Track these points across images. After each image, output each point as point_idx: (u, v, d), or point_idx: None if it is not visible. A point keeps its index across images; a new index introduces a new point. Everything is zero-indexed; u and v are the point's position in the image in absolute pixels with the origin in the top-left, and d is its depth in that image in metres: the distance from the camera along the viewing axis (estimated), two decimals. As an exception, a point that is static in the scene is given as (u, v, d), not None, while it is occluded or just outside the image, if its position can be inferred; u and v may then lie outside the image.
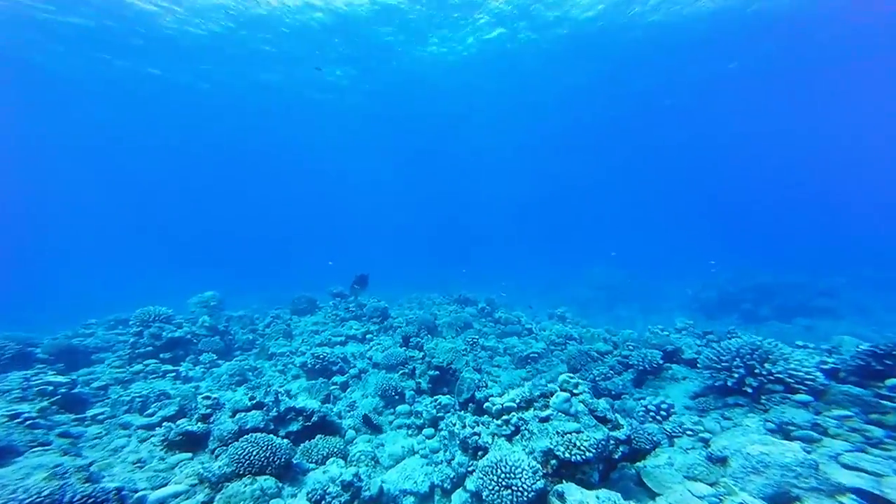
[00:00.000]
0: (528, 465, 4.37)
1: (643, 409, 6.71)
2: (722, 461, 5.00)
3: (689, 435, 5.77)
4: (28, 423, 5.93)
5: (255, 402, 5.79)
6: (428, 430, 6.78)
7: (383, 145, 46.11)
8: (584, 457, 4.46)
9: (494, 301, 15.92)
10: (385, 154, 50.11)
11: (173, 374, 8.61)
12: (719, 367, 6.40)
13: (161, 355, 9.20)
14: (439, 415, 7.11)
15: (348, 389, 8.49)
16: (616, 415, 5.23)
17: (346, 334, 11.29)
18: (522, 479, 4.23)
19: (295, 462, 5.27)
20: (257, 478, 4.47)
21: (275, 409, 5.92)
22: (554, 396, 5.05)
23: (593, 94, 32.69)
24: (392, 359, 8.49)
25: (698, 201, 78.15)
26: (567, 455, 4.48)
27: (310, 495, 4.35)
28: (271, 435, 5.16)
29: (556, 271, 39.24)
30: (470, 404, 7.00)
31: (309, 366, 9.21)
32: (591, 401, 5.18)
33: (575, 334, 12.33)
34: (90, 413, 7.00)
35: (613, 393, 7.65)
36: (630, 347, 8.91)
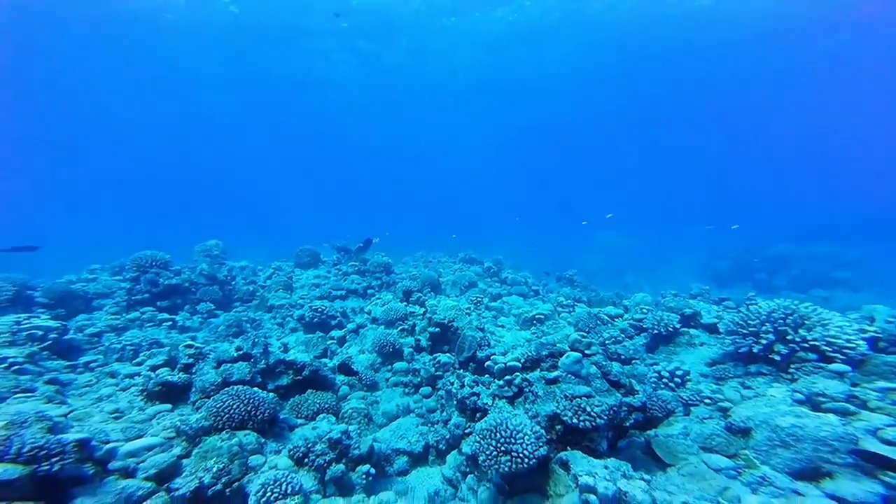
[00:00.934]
0: (531, 431, 3.89)
1: (655, 375, 6.18)
2: (744, 432, 4.48)
3: (706, 404, 5.25)
4: (14, 368, 5.65)
5: (241, 353, 5.38)
6: (425, 389, 6.40)
7: (392, 113, 44.58)
8: (593, 423, 3.96)
9: (501, 261, 15.30)
10: (393, 122, 48.52)
11: (169, 322, 8.31)
12: (745, 332, 5.75)
13: (158, 303, 8.90)
14: (438, 373, 6.70)
15: (345, 345, 8.13)
16: (630, 380, 4.69)
17: (347, 288, 10.87)
18: (523, 445, 3.76)
19: (282, 417, 4.92)
20: (237, 433, 4.10)
21: (263, 362, 5.52)
22: (564, 357, 4.49)
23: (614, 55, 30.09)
24: (392, 314, 8.04)
25: (715, 168, 74.34)
26: (575, 421, 3.98)
27: (292, 452, 3.97)
28: (256, 388, 4.76)
29: (562, 240, 38.29)
30: (471, 363, 6.56)
31: (307, 319, 8.84)
32: (604, 363, 4.63)
33: (584, 297, 11.76)
34: (83, 360, 6.75)
35: (623, 357, 7.13)
36: (643, 310, 8.29)
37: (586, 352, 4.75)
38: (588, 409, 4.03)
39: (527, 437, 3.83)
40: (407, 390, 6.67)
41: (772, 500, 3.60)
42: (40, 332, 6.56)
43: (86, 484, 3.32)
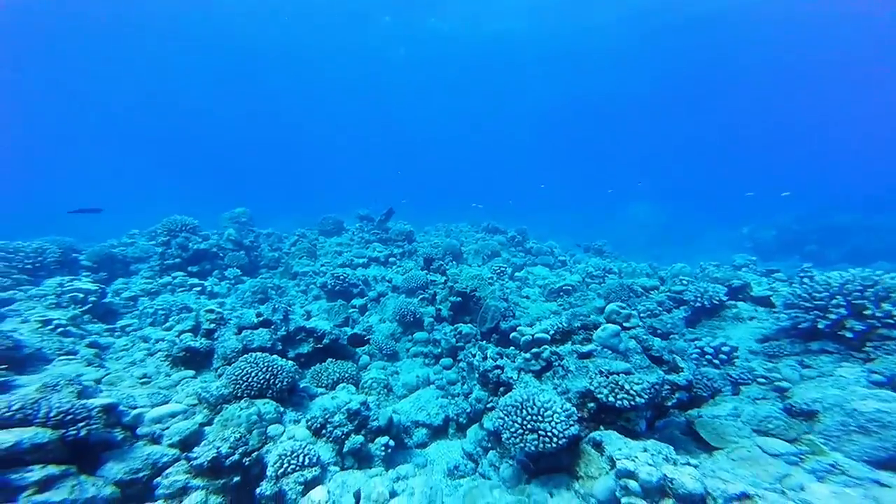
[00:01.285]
0: (561, 408, 3.51)
1: (697, 351, 5.62)
2: (807, 416, 3.93)
3: (760, 383, 4.68)
4: (59, 330, 5.82)
5: (261, 318, 5.26)
6: (446, 360, 6.15)
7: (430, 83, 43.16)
8: (632, 403, 3.54)
9: (526, 231, 14.64)
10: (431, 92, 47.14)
11: (199, 288, 8.43)
12: (810, 305, 5.03)
13: (189, 268, 9.03)
14: (459, 344, 6.43)
15: (367, 313, 7.98)
16: (674, 356, 4.18)
17: (369, 256, 10.68)
18: (552, 423, 3.40)
19: (302, 386, 4.80)
20: (256, 401, 3.98)
21: (283, 328, 5.39)
22: (599, 329, 4.02)
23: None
24: (412, 282, 7.76)
25: (763, 133, 67.78)
26: (611, 399, 3.56)
27: (310, 423, 3.82)
28: (275, 356, 4.62)
29: (591, 209, 36.56)
30: (493, 335, 6.22)
31: (329, 287, 8.73)
32: (644, 336, 4.13)
33: (614, 268, 11.04)
34: (120, 324, 6.93)
35: (660, 332, 6.56)
36: (683, 282, 7.58)
37: (625, 324, 4.26)
38: (627, 386, 3.60)
39: (556, 414, 3.46)
40: (427, 361, 6.46)
41: (845, 490, 3.11)
42: (81, 296, 6.74)
43: (114, 449, 3.28)
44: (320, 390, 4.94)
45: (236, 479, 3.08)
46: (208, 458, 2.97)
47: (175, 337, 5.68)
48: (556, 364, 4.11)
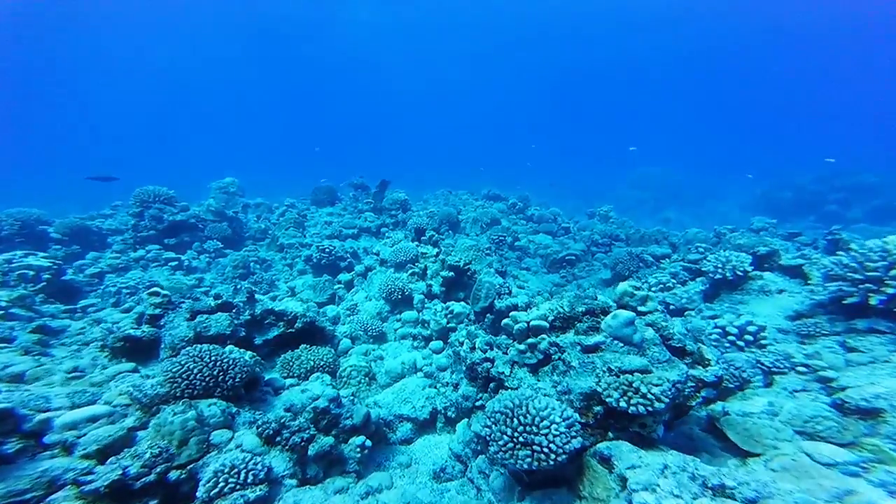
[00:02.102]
0: (561, 417, 2.77)
1: (719, 331, 4.81)
2: (867, 414, 3.17)
3: (799, 372, 3.90)
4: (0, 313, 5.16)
5: (220, 301, 4.52)
6: (435, 344, 5.45)
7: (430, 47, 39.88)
8: (650, 408, 2.78)
9: (528, 197, 13.56)
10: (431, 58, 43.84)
11: (175, 262, 7.72)
12: (860, 277, 4.14)
13: (165, 241, 8.28)
14: (450, 325, 5.70)
15: (353, 290, 7.25)
16: (699, 345, 3.38)
17: (360, 226, 9.83)
18: (550, 437, 2.68)
19: (268, 378, 4.12)
20: (199, 402, 3.30)
21: (248, 312, 4.66)
22: (609, 317, 3.20)
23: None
24: (401, 255, 6.94)
25: (776, 92, 62.89)
26: (623, 405, 2.81)
27: (261, 429, 3.15)
28: (230, 347, 3.92)
29: (598, 172, 34.76)
30: (488, 314, 5.45)
31: (315, 260, 7.97)
32: (664, 323, 3.31)
33: (621, 234, 10.10)
34: (83, 303, 6.28)
35: (674, 308, 5.75)
36: (699, 250, 6.66)
37: (640, 308, 3.42)
38: (643, 388, 2.82)
39: (555, 425, 2.73)
40: (416, 343, 5.77)
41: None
42: (32, 273, 6.05)
43: (5, 464, 2.62)
44: (290, 381, 4.28)
45: (155, 506, 2.44)
46: (107, 482, 2.31)
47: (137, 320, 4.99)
48: (556, 357, 3.34)
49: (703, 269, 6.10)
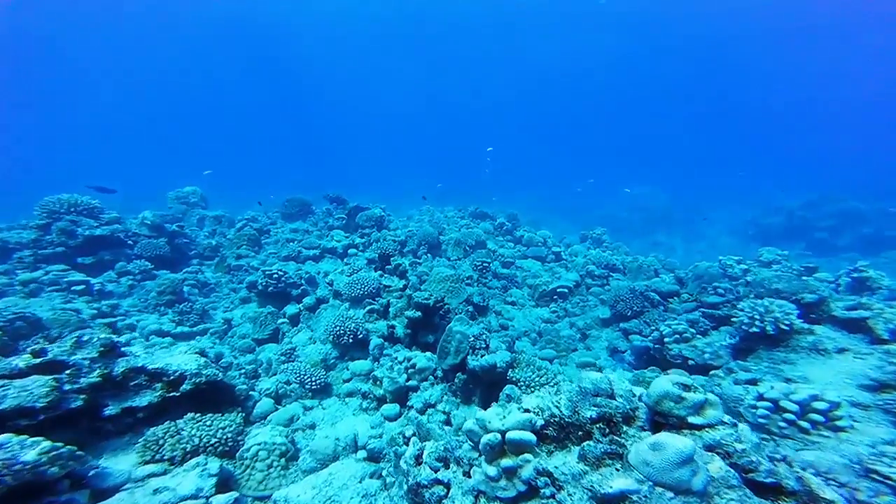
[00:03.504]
0: None
1: (767, 404, 3.51)
2: None
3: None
4: None
5: (44, 359, 3.05)
6: (389, 408, 4.04)
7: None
8: None
9: (517, 217, 12.37)
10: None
11: (82, 286, 6.17)
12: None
13: (79, 259, 6.74)
14: (411, 383, 4.30)
15: (298, 326, 5.81)
16: (805, 476, 2.04)
17: (324, 246, 8.41)
18: None
19: (94, 473, 2.65)
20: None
21: (97, 373, 3.19)
22: (647, 447, 1.85)
23: None
24: (358, 287, 5.56)
25: (766, 117, 63.64)
26: None
27: None
28: (6, 436, 2.45)
29: (587, 192, 34.06)
30: (459, 373, 4.09)
31: (260, 287, 6.51)
32: (738, 445, 1.98)
33: (617, 262, 8.89)
34: (-63, 340, 4.69)
35: (693, 363, 4.47)
36: (718, 291, 5.43)
37: (693, 419, 2.08)
38: None
39: None
40: (367, 403, 4.35)
41: None
42: None
43: None
44: (149, 470, 2.82)
45: None
46: None
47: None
48: (549, 496, 1.97)
49: (725, 314, 4.85)
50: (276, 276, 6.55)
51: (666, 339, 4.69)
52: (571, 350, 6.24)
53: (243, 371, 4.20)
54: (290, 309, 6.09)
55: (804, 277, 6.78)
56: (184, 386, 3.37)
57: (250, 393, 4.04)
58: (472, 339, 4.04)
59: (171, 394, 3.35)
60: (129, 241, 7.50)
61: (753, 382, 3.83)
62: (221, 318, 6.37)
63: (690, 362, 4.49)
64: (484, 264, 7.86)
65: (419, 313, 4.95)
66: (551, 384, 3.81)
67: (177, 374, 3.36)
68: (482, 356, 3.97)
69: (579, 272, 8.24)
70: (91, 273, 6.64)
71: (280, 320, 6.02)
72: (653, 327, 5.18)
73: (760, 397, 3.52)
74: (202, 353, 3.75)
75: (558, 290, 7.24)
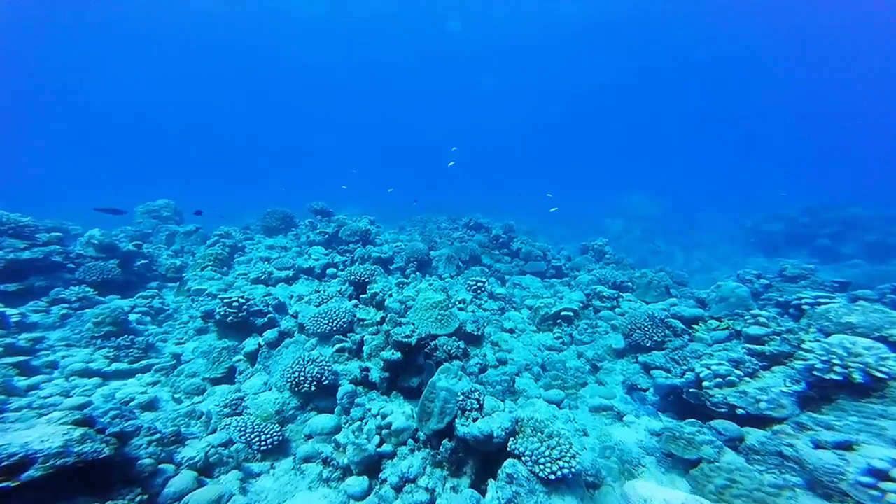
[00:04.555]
0: None
1: (870, 478, 2.52)
2: None
3: None
4: None
5: None
6: (356, 483, 3.01)
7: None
8: None
9: (514, 228, 11.43)
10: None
11: None
12: None
13: (3, 287, 5.66)
14: (386, 448, 3.27)
15: (255, 367, 4.76)
16: None
17: (299, 266, 7.39)
18: None
19: None
20: None
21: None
22: None
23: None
24: (326, 321, 4.54)
25: (765, 122, 62.76)
26: None
27: None
28: None
29: (584, 200, 33.32)
30: (445, 440, 3.07)
31: (218, 317, 5.46)
32: None
33: (626, 280, 7.94)
34: None
35: (742, 412, 3.48)
36: (759, 320, 4.48)
37: None
38: None
39: None
40: (329, 472, 3.30)
41: None
42: None
43: None
44: None
45: None
46: None
47: None
48: None
49: (776, 351, 3.88)
50: (237, 303, 5.52)
51: (705, 383, 3.71)
52: (581, 385, 5.25)
53: (156, 436, 3.15)
54: (250, 344, 5.04)
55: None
56: (29, 472, 2.32)
57: (161, 467, 2.98)
58: (462, 397, 3.04)
59: (4, 484, 2.28)
60: (70, 265, 6.44)
61: (848, 447, 2.85)
62: (171, 352, 5.31)
63: (740, 412, 3.51)
64: (478, 284, 6.87)
65: (399, 354, 3.94)
66: (567, 457, 2.81)
67: (17, 457, 2.31)
68: (474, 420, 2.96)
69: (584, 291, 7.28)
70: (15, 302, 5.57)
71: (236, 357, 4.97)
72: (684, 366, 4.19)
73: (873, 471, 2.54)
74: (86, 421, 2.70)
75: (562, 313, 6.26)
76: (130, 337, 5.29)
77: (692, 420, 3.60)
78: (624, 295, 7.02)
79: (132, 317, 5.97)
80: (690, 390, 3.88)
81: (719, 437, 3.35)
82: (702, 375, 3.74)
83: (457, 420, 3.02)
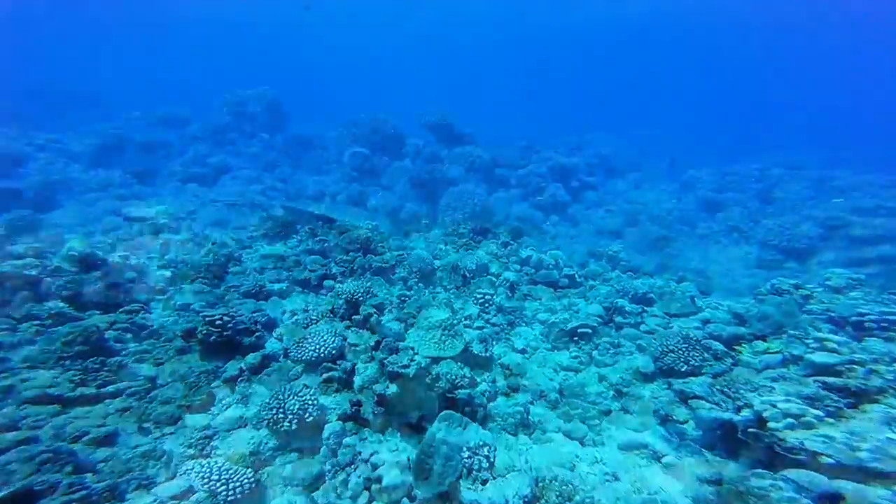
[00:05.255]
0: None
1: None
2: None
3: None
4: None
5: None
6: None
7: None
8: None
9: (520, 230, 10.64)
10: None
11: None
12: None
13: (-22, 309, 5.18)
14: (373, 513, 2.61)
15: (232, 398, 4.14)
16: None
17: (294, 278, 6.81)
18: None
19: None
20: None
21: None
22: None
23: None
24: (312, 347, 3.92)
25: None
26: None
27: None
28: None
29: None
30: (446, 513, 2.39)
31: (199, 336, 4.89)
32: None
33: (653, 294, 7.15)
34: None
35: (832, 462, 2.74)
36: (830, 347, 3.73)
37: None
38: None
39: None
40: (308, 540, 2.64)
41: None
42: None
43: None
44: None
45: None
46: None
47: None
48: None
49: (863, 386, 3.14)
50: (220, 322, 4.94)
51: (771, 423, 2.98)
52: (604, 413, 4.53)
53: (77, 495, 2.53)
54: (232, 368, 4.45)
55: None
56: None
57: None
58: (468, 454, 2.37)
59: None
60: (46, 279, 5.95)
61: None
62: (146, 374, 4.74)
63: (828, 460, 2.77)
64: (487, 298, 6.21)
65: (395, 387, 3.29)
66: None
67: None
68: (484, 483, 2.29)
69: (602, 304, 6.55)
70: (-18, 320, 5.07)
71: (215, 383, 4.38)
72: (736, 398, 3.45)
73: None
74: None
75: (579, 329, 5.56)
76: (100, 359, 4.73)
77: (761, 472, 2.87)
78: (648, 310, 6.28)
79: (110, 334, 5.44)
80: (750, 430, 3.15)
81: (804, 495, 2.61)
82: (766, 415, 3.01)
83: (462, 481, 2.35)
